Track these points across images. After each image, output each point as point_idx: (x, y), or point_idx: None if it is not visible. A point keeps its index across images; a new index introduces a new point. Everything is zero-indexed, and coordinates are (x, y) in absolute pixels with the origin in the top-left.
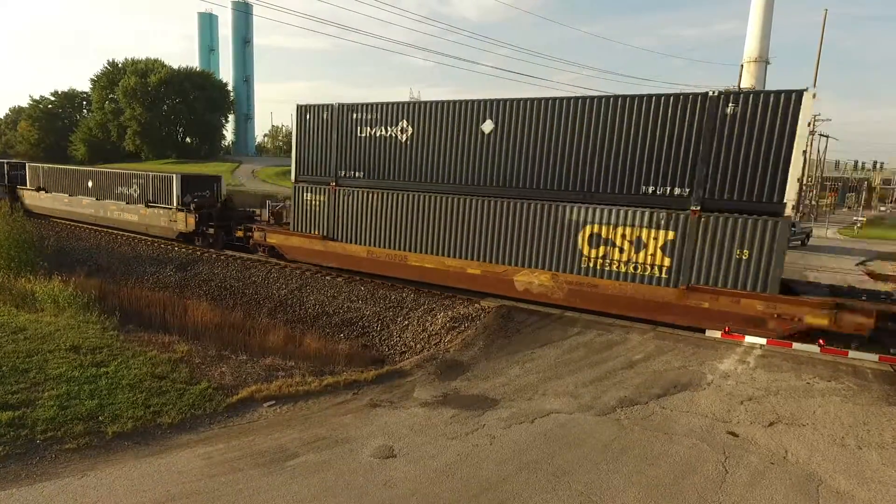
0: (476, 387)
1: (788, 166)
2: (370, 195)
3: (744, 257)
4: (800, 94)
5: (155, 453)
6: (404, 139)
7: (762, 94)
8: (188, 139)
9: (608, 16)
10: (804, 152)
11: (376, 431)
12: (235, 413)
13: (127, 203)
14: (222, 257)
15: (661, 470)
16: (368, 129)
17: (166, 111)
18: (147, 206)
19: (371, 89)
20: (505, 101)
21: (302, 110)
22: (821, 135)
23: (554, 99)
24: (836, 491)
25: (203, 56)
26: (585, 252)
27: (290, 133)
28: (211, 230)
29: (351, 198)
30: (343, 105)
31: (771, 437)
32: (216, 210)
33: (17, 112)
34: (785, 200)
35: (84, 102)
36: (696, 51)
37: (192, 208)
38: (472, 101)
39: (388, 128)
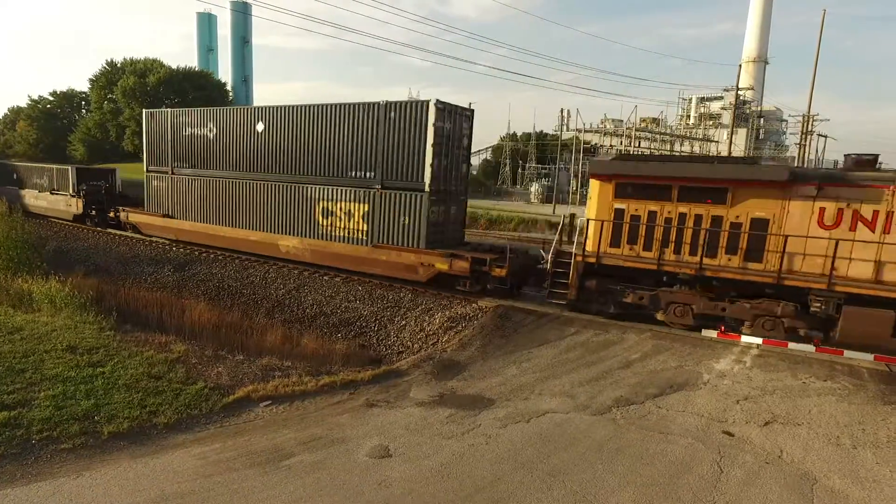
0: (472, 386)
1: (424, 156)
2: (192, 181)
3: (406, 222)
4: (426, 103)
5: (150, 453)
6: (211, 137)
7: (408, 104)
8: None
9: (607, 16)
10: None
11: (372, 431)
12: (231, 413)
13: (39, 192)
14: (220, 257)
15: (656, 469)
16: (190, 129)
17: None
18: (52, 194)
19: (369, 89)
20: (270, 107)
21: (148, 115)
22: (819, 135)
23: (296, 106)
24: (830, 490)
25: (202, 56)
26: (320, 222)
27: None
28: (94, 212)
29: (181, 183)
30: (174, 110)
31: (766, 437)
32: (102, 196)
33: (15, 112)
34: (424, 180)
35: (83, 102)
36: (696, 50)
37: (81, 195)
38: (250, 108)
39: (201, 128)
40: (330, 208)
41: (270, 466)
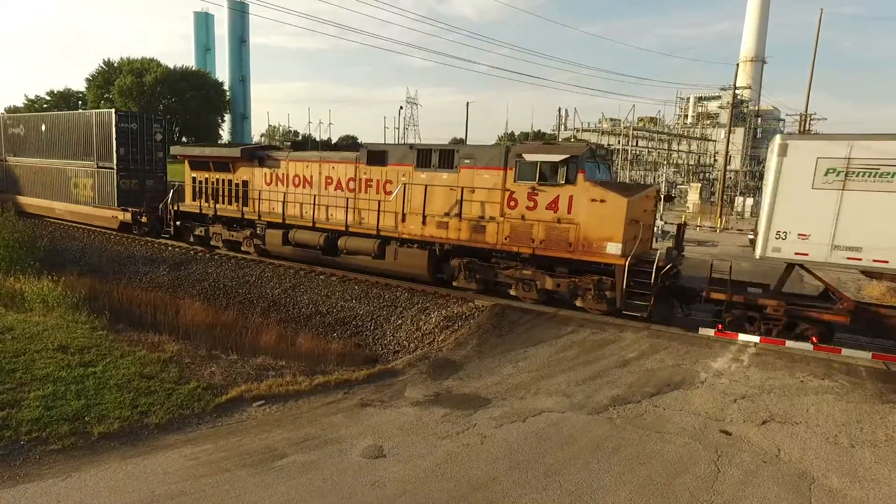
0: (468, 386)
1: (112, 146)
2: (19, 167)
3: (108, 189)
4: (111, 113)
5: (141, 454)
6: (22, 135)
7: (99, 114)
8: (184, 138)
9: (606, 16)
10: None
11: (366, 431)
12: (224, 413)
13: None
14: (216, 257)
15: (652, 469)
16: (12, 129)
17: (162, 111)
18: None
19: (368, 89)
20: (36, 114)
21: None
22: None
23: (44, 114)
24: (828, 489)
25: (199, 55)
26: (72, 191)
27: (287, 133)
28: None
29: (17, 169)
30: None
31: (764, 436)
32: None
33: (12, 112)
34: (114, 162)
35: (80, 102)
36: (694, 50)
37: None
38: (37, 115)
39: (17, 129)
40: (77, 182)
41: (263, 467)
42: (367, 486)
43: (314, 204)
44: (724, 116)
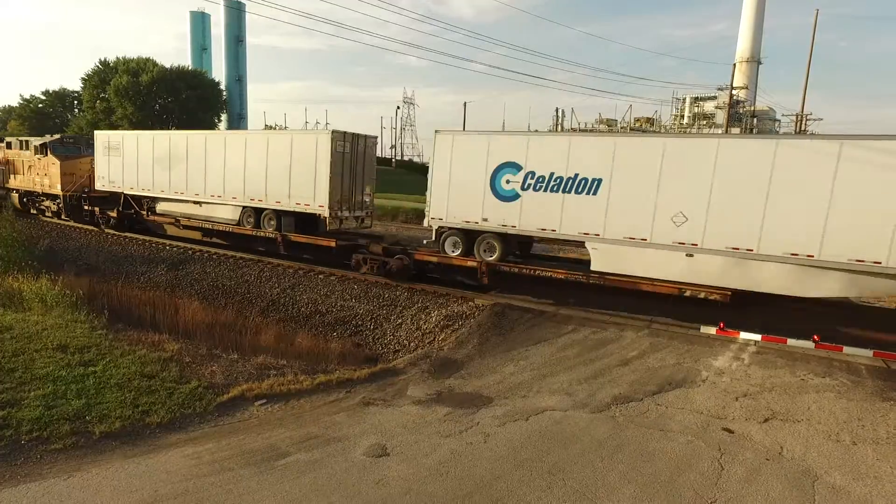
0: (470, 385)
1: None
2: None
3: None
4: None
5: (143, 453)
6: None
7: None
8: None
9: (605, 16)
10: None
11: (369, 430)
12: (226, 412)
13: None
14: (214, 256)
15: (656, 467)
16: None
17: (158, 110)
18: None
19: (365, 89)
20: None
21: None
22: (813, 134)
23: None
24: (831, 486)
25: (195, 55)
26: None
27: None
28: None
29: None
30: None
31: (766, 434)
32: None
33: (7, 112)
34: None
35: (75, 101)
36: (691, 50)
37: None
38: None
39: None
40: None
41: (265, 466)
42: (371, 485)
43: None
44: (721, 117)
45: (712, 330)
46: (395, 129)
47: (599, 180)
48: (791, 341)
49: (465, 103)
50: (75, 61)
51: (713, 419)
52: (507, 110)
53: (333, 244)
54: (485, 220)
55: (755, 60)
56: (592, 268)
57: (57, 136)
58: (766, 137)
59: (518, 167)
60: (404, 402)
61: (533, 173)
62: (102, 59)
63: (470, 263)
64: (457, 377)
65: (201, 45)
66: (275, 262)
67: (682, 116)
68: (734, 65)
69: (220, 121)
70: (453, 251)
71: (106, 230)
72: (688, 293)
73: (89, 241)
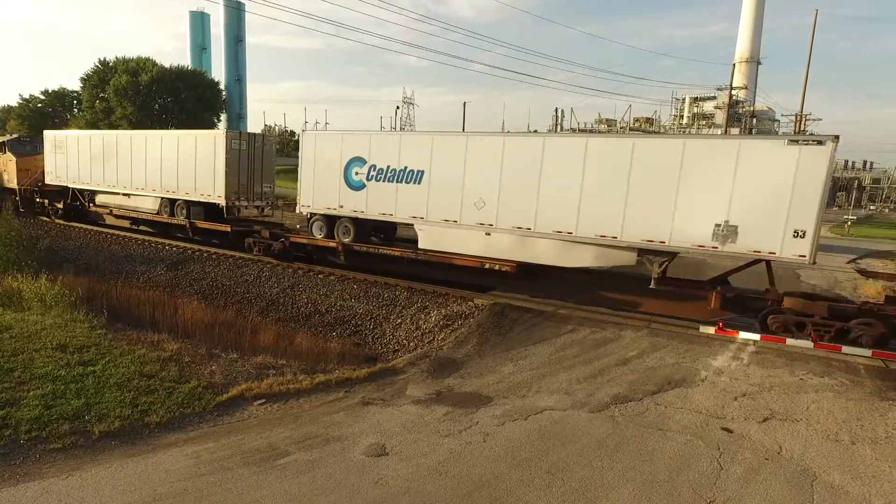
0: (469, 384)
1: None
2: None
3: None
4: None
5: (142, 453)
6: None
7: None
8: None
9: (605, 16)
10: None
11: (368, 429)
12: (225, 411)
13: None
14: (213, 256)
15: (655, 466)
16: None
17: (158, 110)
18: None
19: (365, 89)
20: None
21: None
22: (811, 134)
23: None
24: (830, 486)
25: (195, 55)
26: None
27: (284, 132)
28: None
29: None
30: None
31: (765, 433)
32: None
33: (6, 112)
34: None
35: (75, 101)
36: (690, 50)
37: None
38: None
39: None
40: None
41: (265, 465)
42: (370, 485)
43: None
44: (720, 117)
45: (711, 329)
46: (395, 129)
47: (423, 172)
48: (790, 341)
49: (464, 103)
50: (74, 61)
51: (712, 419)
52: (507, 110)
53: (229, 229)
54: (341, 206)
55: (754, 61)
56: (420, 246)
57: (15, 136)
58: (538, 135)
59: (363, 161)
60: (403, 401)
61: (375, 166)
62: (102, 59)
63: (331, 244)
64: (456, 377)
65: (201, 44)
66: (273, 262)
67: (682, 116)
68: (733, 65)
69: (219, 121)
70: (319, 234)
71: (56, 220)
72: (486, 266)
73: (89, 241)
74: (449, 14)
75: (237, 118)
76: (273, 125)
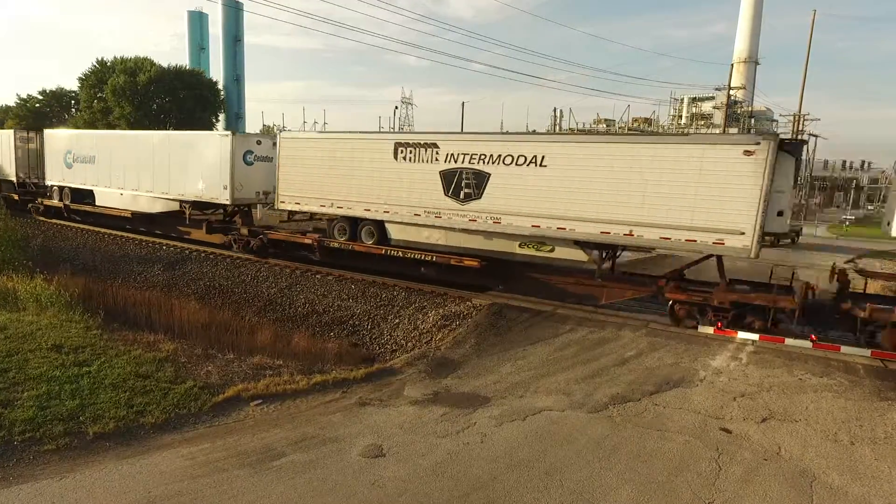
0: (467, 384)
1: None
2: None
3: None
4: None
5: (137, 454)
6: None
7: None
8: None
9: (604, 16)
10: None
11: (365, 430)
12: (221, 412)
13: None
14: (211, 256)
15: (654, 467)
16: None
17: (156, 110)
18: None
19: (364, 89)
20: None
21: None
22: (810, 135)
23: None
24: (829, 486)
25: (193, 55)
26: None
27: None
28: None
29: None
30: None
31: (764, 434)
32: None
33: (4, 112)
34: None
35: (72, 101)
36: (689, 50)
37: None
38: None
39: None
40: None
41: (261, 467)
42: (366, 486)
43: None
44: (718, 117)
45: (710, 329)
46: (394, 129)
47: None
48: (789, 341)
49: (462, 103)
50: (73, 61)
51: (711, 419)
52: (506, 110)
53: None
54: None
55: (753, 61)
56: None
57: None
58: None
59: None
60: (401, 402)
61: None
62: (100, 59)
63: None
64: (454, 377)
65: (199, 44)
66: (271, 262)
67: (680, 116)
68: (732, 65)
69: (217, 120)
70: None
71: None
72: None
73: (85, 241)
74: (448, 14)
75: (235, 118)
76: (272, 125)
